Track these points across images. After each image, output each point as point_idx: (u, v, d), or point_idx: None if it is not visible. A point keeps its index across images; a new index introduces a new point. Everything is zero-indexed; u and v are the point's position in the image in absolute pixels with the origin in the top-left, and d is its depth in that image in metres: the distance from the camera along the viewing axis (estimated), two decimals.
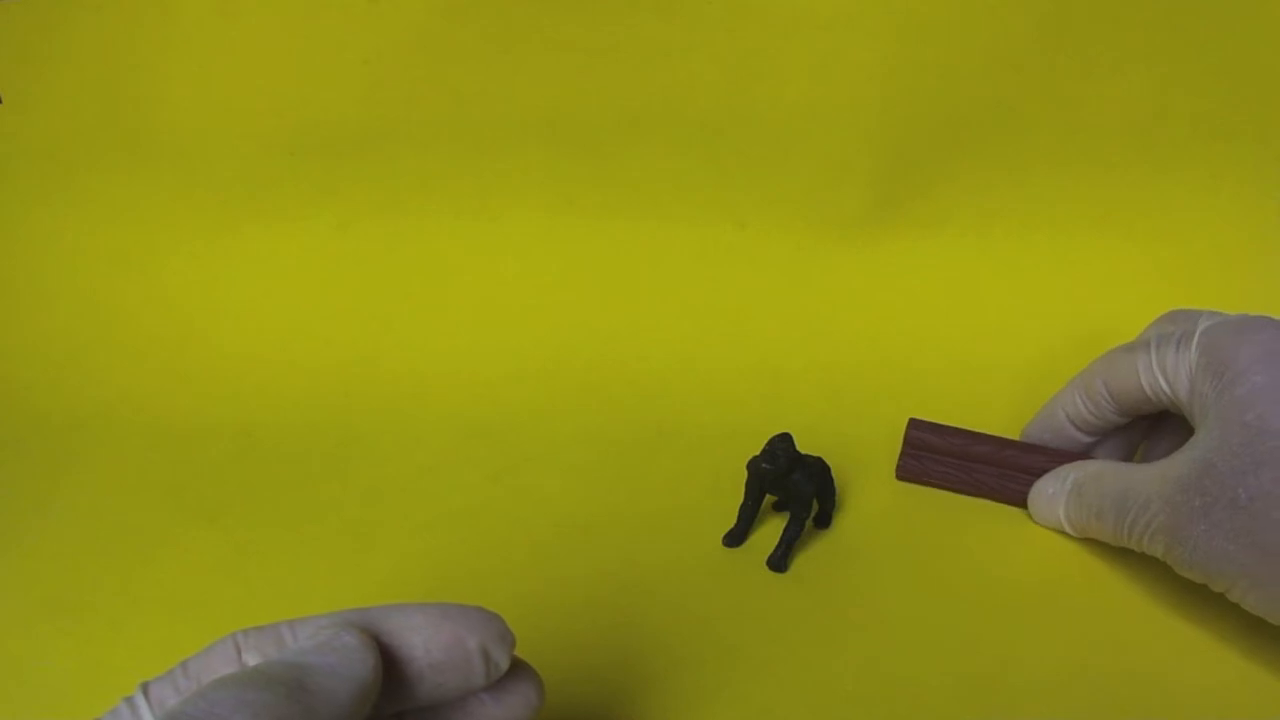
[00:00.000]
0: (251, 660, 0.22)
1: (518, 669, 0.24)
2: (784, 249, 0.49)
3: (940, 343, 0.48)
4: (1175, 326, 0.36)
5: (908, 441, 0.41)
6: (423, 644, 0.22)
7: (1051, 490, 0.38)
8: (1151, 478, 0.33)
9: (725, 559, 0.37)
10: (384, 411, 0.46)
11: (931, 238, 0.49)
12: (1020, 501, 0.40)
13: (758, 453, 0.36)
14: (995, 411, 0.44)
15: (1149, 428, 0.40)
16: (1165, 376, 0.35)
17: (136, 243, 0.51)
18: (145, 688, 0.21)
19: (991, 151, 0.47)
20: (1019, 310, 0.47)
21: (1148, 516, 0.33)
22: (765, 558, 0.36)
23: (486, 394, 0.47)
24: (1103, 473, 0.36)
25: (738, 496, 0.37)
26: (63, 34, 0.47)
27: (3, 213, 0.51)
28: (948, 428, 0.41)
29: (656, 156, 0.48)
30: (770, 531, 0.38)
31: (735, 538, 0.37)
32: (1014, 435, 0.41)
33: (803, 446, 0.37)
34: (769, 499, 0.39)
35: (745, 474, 0.37)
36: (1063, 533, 0.38)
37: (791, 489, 0.36)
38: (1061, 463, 0.39)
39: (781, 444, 0.35)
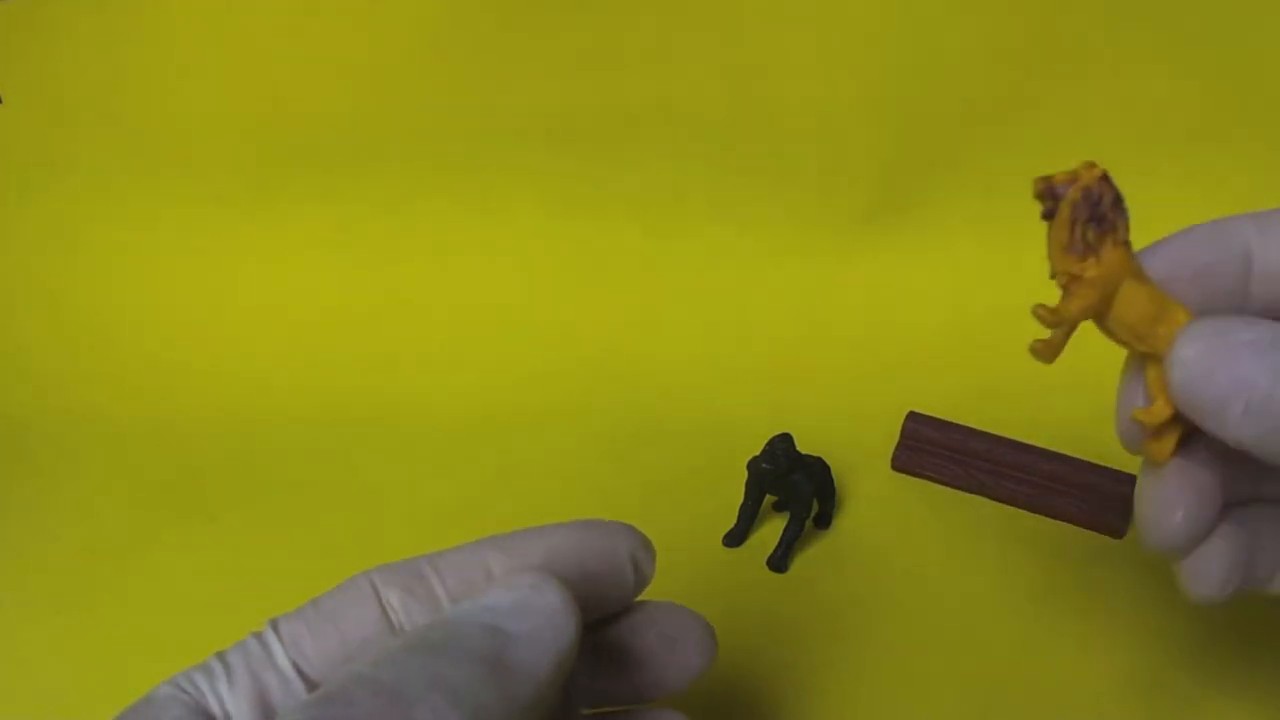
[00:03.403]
0: (394, 599, 0.20)
1: (687, 616, 0.23)
2: (784, 248, 0.49)
3: (940, 342, 0.48)
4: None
5: (905, 433, 0.41)
6: (577, 558, 0.21)
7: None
8: None
9: (725, 559, 0.37)
10: (384, 411, 0.46)
11: (931, 237, 0.49)
12: (1015, 500, 0.39)
13: (758, 453, 0.36)
14: (996, 411, 0.43)
15: None
16: None
17: (136, 242, 0.51)
18: (275, 623, 0.20)
19: (991, 151, 0.47)
20: (1019, 309, 0.47)
21: None
22: (765, 558, 0.36)
23: (487, 394, 0.47)
24: None
25: (738, 496, 0.37)
26: (63, 34, 0.47)
27: (2, 212, 0.51)
28: (945, 422, 0.41)
29: (657, 156, 0.48)
30: (770, 531, 0.38)
31: (735, 538, 0.37)
32: (1013, 435, 0.41)
33: (803, 446, 0.37)
34: (769, 499, 0.39)
35: (745, 474, 0.37)
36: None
37: (791, 489, 0.36)
38: (1059, 467, 0.39)
39: (781, 444, 0.35)
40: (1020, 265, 0.48)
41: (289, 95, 0.48)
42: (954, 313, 0.48)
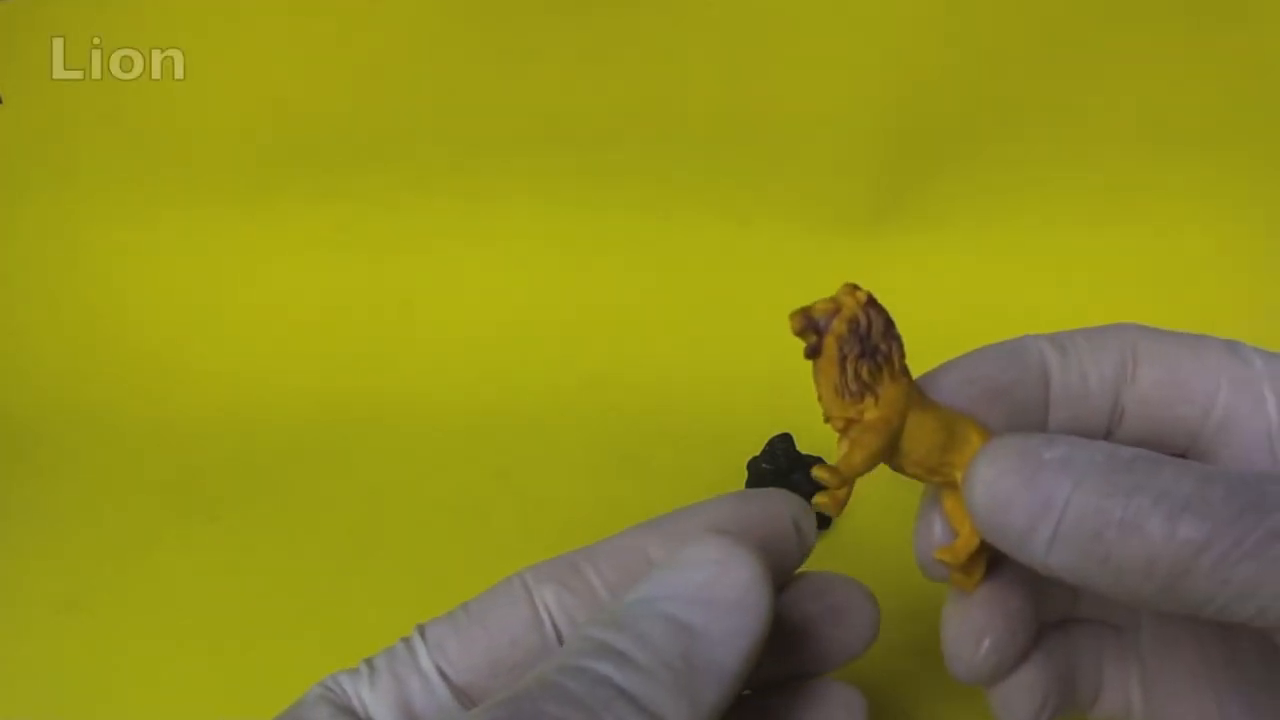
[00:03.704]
0: (549, 597, 0.20)
1: (855, 586, 0.22)
2: (785, 248, 0.49)
3: (940, 342, 0.48)
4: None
5: None
6: (739, 531, 0.20)
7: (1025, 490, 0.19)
8: None
9: None
10: (385, 411, 0.46)
11: (932, 236, 0.49)
12: None
13: (758, 453, 0.36)
14: None
15: None
16: None
17: (136, 243, 0.51)
18: (422, 628, 0.20)
19: (991, 151, 0.47)
20: (1019, 310, 0.47)
21: None
22: None
23: (487, 394, 0.47)
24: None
25: None
26: (62, 34, 0.47)
27: (2, 212, 0.51)
28: None
29: (658, 156, 0.48)
30: None
31: None
32: None
33: (803, 446, 0.37)
34: None
35: (745, 474, 0.37)
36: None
37: (791, 489, 0.35)
38: None
39: (781, 444, 0.35)
40: (1020, 266, 0.48)
41: (289, 95, 0.48)
42: (954, 313, 0.48)
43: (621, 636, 0.17)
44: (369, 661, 0.20)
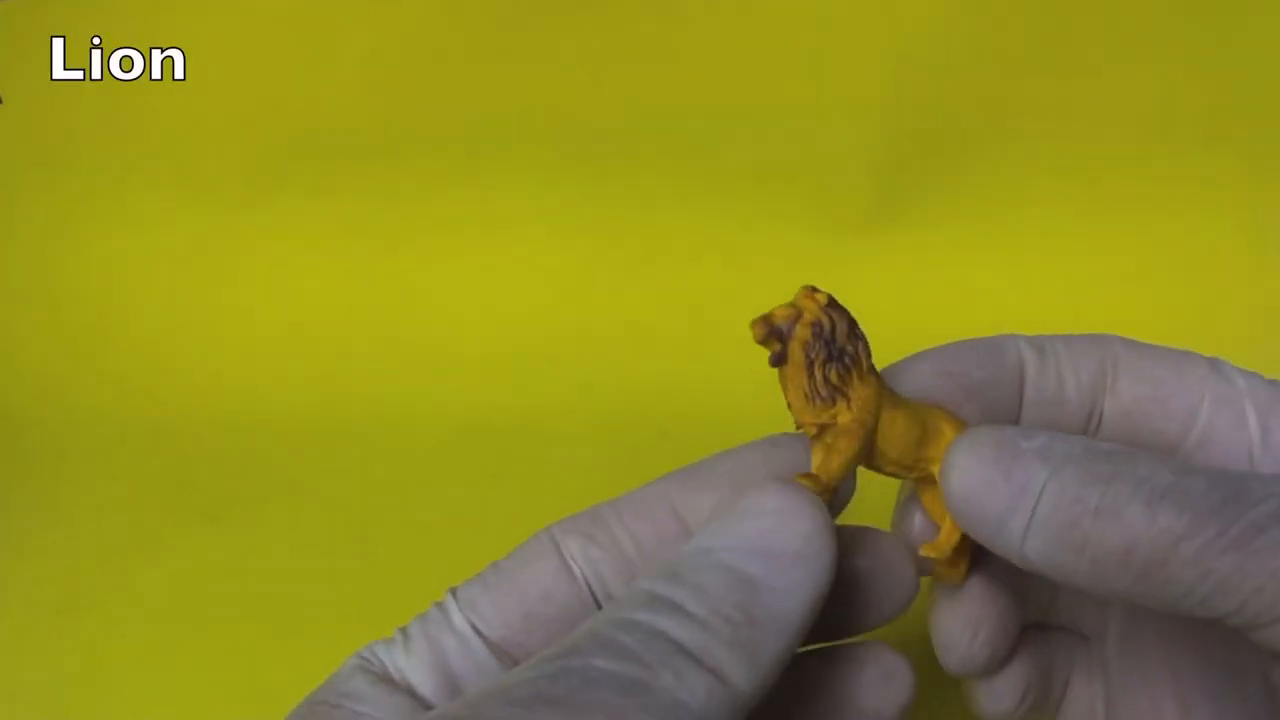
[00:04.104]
0: (574, 548, 0.19)
1: (891, 540, 0.21)
2: (784, 248, 0.49)
3: (938, 341, 0.48)
4: None
5: None
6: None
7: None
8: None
9: None
10: (384, 411, 0.46)
11: (931, 236, 0.49)
12: None
13: None
14: None
15: None
16: None
17: (136, 243, 0.51)
18: (454, 590, 0.20)
19: (991, 151, 0.47)
20: (1019, 309, 0.47)
21: None
22: None
23: (487, 393, 0.47)
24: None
25: None
26: (63, 34, 0.47)
27: (2, 212, 0.51)
28: None
29: (657, 156, 0.48)
30: None
31: None
32: None
33: None
34: None
35: None
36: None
37: None
38: None
39: None
40: (1019, 266, 0.48)
41: (289, 95, 0.48)
42: (954, 314, 0.48)
43: (677, 588, 0.16)
44: (403, 629, 0.19)
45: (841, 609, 0.20)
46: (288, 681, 0.20)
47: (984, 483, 0.17)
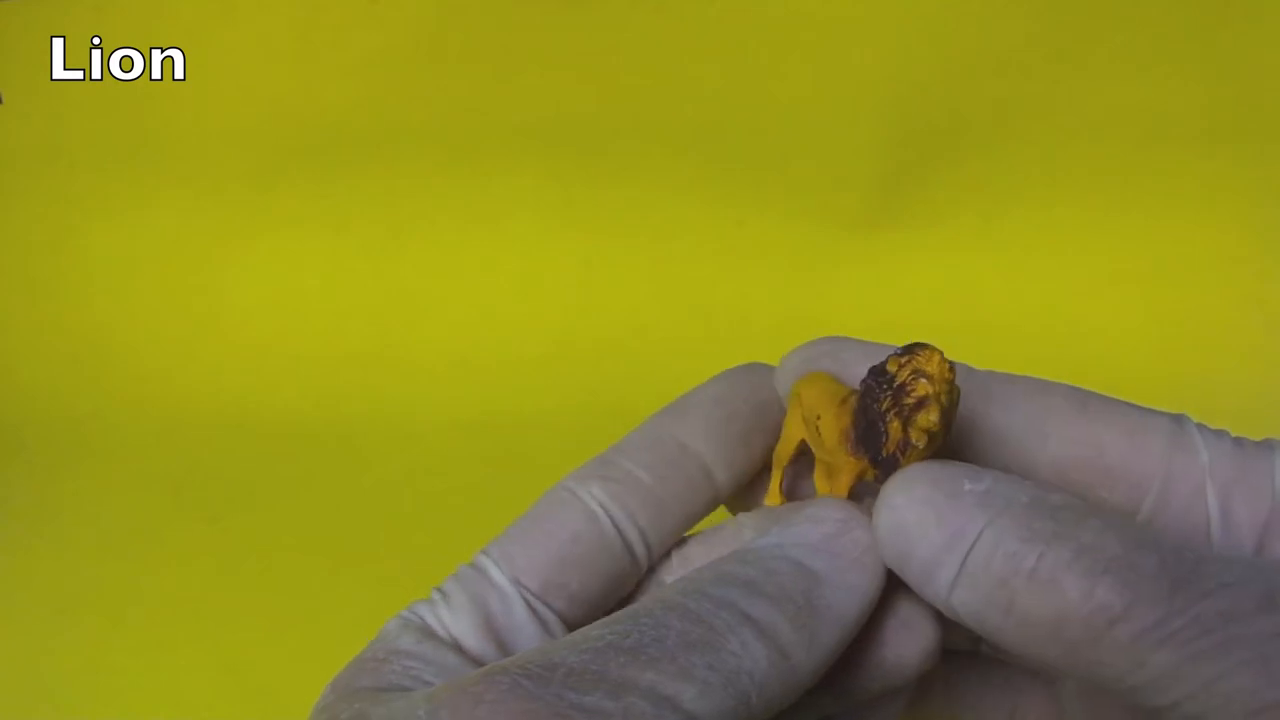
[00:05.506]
0: (596, 490, 0.20)
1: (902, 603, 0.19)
2: (784, 248, 0.49)
3: (937, 341, 0.48)
4: None
5: None
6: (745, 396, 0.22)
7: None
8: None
9: None
10: (385, 411, 0.46)
11: (931, 237, 0.49)
12: None
13: None
14: None
15: None
16: None
17: (136, 243, 0.51)
18: (485, 549, 0.20)
19: (991, 151, 0.47)
20: (1019, 309, 0.47)
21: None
22: None
23: (487, 393, 0.47)
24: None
25: None
26: (63, 34, 0.47)
27: (3, 212, 0.51)
28: None
29: (656, 155, 0.48)
30: None
31: None
32: None
33: None
34: None
35: None
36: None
37: None
38: None
39: None
40: (1019, 265, 0.48)
41: (289, 95, 0.48)
42: (954, 314, 0.48)
43: (748, 568, 0.17)
44: (439, 588, 0.19)
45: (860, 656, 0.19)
46: (288, 681, 0.20)
47: (915, 524, 0.16)
